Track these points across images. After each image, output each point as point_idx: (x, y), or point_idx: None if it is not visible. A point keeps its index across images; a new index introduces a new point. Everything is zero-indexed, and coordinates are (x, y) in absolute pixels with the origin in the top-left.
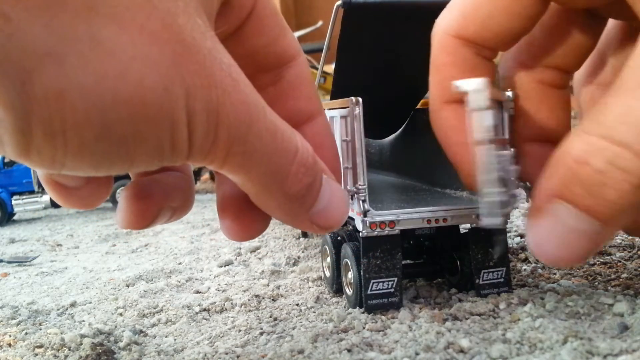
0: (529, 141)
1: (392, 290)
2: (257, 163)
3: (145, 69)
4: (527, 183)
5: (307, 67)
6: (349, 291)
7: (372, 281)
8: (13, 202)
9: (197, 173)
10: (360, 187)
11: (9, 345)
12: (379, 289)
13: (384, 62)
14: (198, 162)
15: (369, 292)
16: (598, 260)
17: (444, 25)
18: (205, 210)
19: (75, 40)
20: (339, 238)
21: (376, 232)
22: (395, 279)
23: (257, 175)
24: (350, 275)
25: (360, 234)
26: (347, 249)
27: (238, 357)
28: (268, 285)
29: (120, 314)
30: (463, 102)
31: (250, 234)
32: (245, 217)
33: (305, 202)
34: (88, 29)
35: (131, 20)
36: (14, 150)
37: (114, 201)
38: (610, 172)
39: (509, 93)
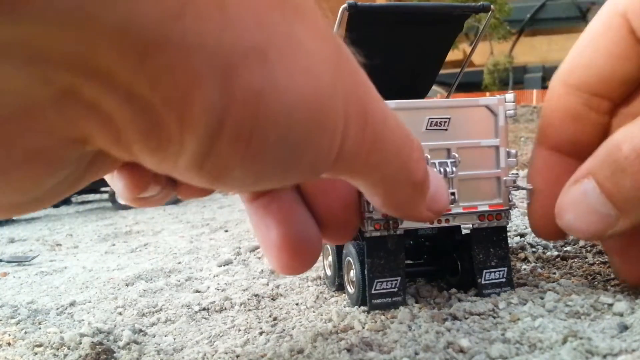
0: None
1: (396, 289)
2: (391, 157)
3: (322, 67)
4: (529, 185)
5: None
6: (350, 290)
7: (376, 280)
8: None
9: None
10: None
11: (9, 344)
12: (383, 289)
13: (389, 66)
14: (334, 173)
15: (372, 291)
16: (598, 260)
17: (558, 72)
18: (204, 209)
19: (275, 36)
20: None
21: (380, 232)
22: (399, 278)
23: (390, 170)
24: (352, 274)
25: (365, 234)
26: (349, 248)
27: (238, 356)
28: (267, 285)
29: (120, 313)
30: (563, 151)
31: (307, 266)
32: (301, 251)
33: (424, 188)
34: (288, 27)
35: (311, 17)
36: (190, 159)
37: (113, 201)
38: (632, 160)
39: (510, 95)
